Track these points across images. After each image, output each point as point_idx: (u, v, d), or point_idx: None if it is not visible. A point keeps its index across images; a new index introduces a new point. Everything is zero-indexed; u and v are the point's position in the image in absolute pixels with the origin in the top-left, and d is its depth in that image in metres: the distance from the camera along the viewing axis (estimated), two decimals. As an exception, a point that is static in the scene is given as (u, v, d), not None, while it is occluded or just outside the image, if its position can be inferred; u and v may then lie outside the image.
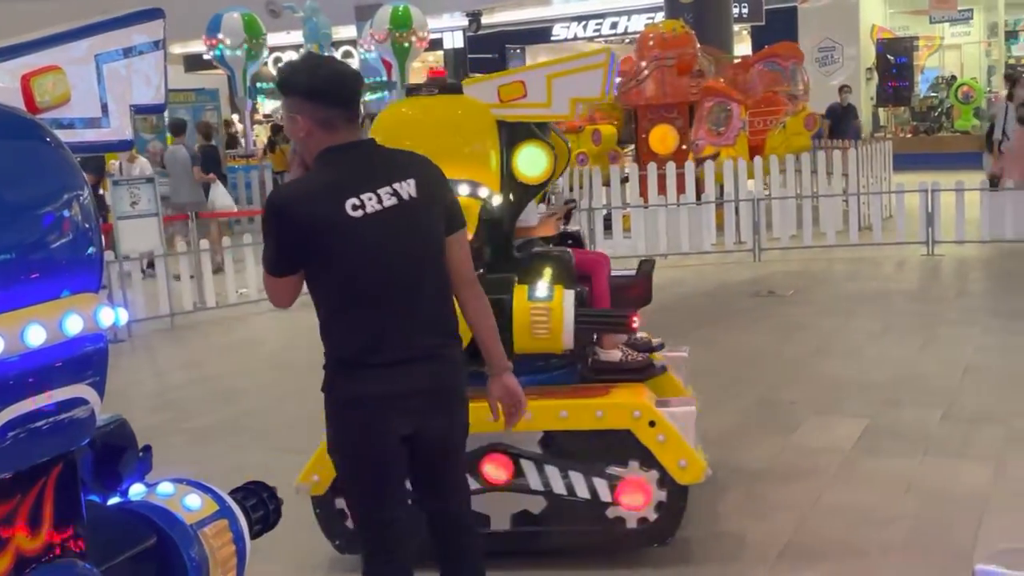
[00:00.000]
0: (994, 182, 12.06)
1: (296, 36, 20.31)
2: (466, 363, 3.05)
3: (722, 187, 12.47)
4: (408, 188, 2.90)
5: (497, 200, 4.05)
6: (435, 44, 23.65)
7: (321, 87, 2.87)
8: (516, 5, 24.07)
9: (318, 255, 2.85)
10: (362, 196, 2.84)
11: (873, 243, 11.90)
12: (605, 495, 4.04)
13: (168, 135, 15.17)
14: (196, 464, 5.79)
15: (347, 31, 21.44)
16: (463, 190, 3.84)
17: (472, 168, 3.89)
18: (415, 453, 2.97)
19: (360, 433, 2.91)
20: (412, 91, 4.06)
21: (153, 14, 2.26)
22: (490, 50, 28.07)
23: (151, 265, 10.99)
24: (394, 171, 2.93)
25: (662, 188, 12.46)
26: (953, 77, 23.16)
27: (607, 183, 13.25)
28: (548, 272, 4.11)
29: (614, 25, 26.40)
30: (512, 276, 4.09)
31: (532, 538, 4.11)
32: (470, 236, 3.81)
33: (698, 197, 12.42)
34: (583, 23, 26.82)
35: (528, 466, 4.03)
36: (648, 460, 3.99)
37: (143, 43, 2.27)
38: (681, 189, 12.48)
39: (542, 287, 4.04)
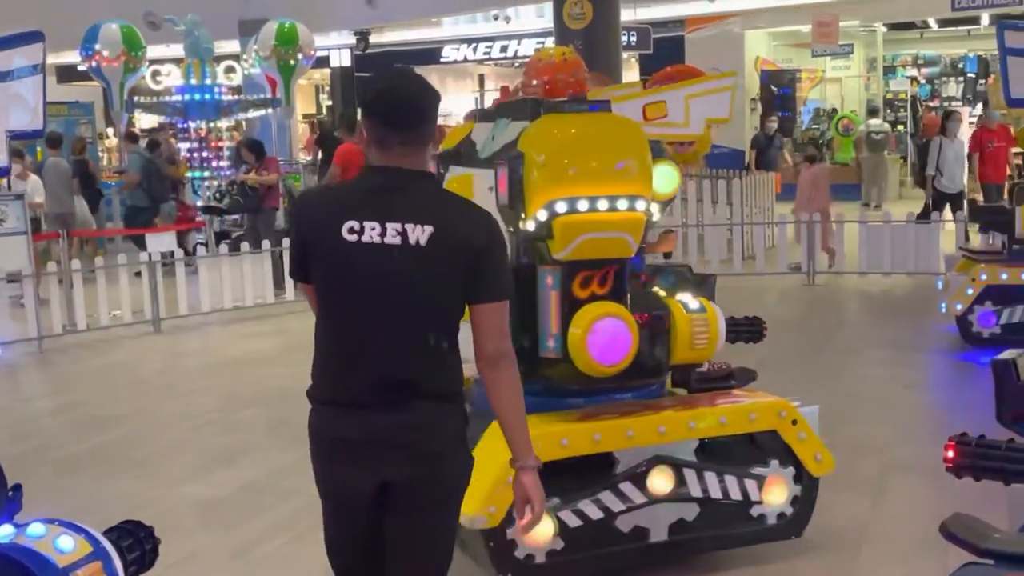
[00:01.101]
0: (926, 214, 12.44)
1: (177, 49, 19.96)
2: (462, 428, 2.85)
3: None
4: (420, 234, 2.72)
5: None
6: (321, 62, 23.47)
7: (378, 106, 2.78)
8: (406, 26, 24.07)
9: (311, 267, 2.83)
10: (365, 222, 2.73)
11: (756, 272, 12.23)
12: (755, 494, 4.27)
13: (39, 148, 14.80)
14: (63, 496, 5.63)
15: (231, 45, 21.12)
16: (639, 205, 4.02)
17: (637, 183, 4.04)
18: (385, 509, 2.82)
19: (314, 467, 2.89)
20: (553, 108, 4.14)
21: (33, 37, 2.21)
22: (375, 68, 28.03)
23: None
24: (416, 211, 2.74)
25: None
26: (834, 110, 23.99)
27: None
28: (680, 285, 4.35)
29: (504, 49, 26.61)
30: (658, 291, 4.33)
31: (688, 545, 4.26)
32: (633, 251, 4.03)
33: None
34: (473, 46, 26.97)
35: (690, 474, 4.15)
36: (786, 457, 4.27)
37: (22, 67, 2.23)
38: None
39: (692, 300, 4.26)
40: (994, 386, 3.75)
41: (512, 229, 3.99)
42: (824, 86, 25.14)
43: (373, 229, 2.73)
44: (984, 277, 8.25)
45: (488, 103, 28.77)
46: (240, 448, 6.74)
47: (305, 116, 29.30)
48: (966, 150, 13.46)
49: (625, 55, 19.88)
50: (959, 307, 8.33)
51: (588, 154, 3.94)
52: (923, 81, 26.92)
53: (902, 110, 24.96)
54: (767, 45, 24.82)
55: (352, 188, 2.93)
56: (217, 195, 12.96)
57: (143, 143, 16.32)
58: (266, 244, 11.31)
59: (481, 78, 31.56)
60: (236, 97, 16.04)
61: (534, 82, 15.05)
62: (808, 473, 4.30)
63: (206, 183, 14.00)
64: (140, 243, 13.00)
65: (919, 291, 11.18)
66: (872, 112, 21.73)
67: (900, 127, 24.22)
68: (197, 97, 14.25)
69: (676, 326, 4.17)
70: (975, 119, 17.04)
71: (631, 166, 4.05)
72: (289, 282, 11.45)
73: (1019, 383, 3.74)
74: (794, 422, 4.25)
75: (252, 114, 17.17)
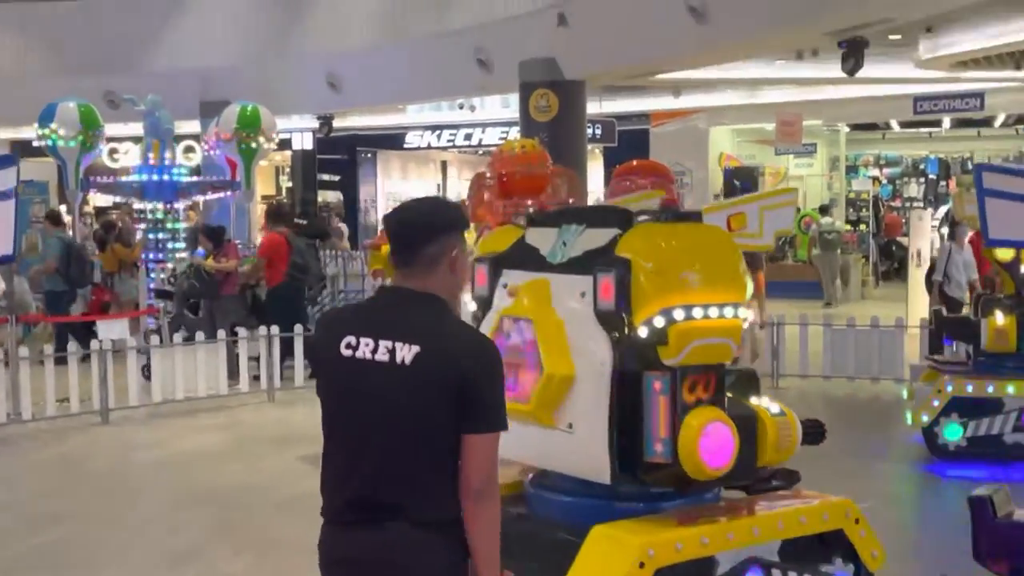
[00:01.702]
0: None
1: (136, 128, 19.99)
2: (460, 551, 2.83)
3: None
4: (406, 353, 2.77)
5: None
6: (283, 143, 23.59)
7: (388, 226, 2.95)
8: (369, 111, 24.29)
9: (318, 380, 2.96)
10: (362, 339, 2.83)
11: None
12: None
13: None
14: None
15: (191, 126, 21.21)
16: (741, 312, 4.16)
17: (738, 291, 4.20)
18: None
19: None
20: (647, 215, 4.29)
21: (6, 161, 2.20)
22: (340, 152, 28.20)
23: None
24: (407, 330, 2.81)
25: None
26: (797, 208, 24.40)
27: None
28: (742, 386, 4.45)
29: (468, 137, 26.91)
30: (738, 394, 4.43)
31: None
32: (734, 356, 4.15)
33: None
34: (437, 133, 27.24)
35: (777, 574, 4.26)
36: (847, 554, 4.38)
37: (-8, 191, 2.20)
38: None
39: (772, 404, 4.40)
40: (971, 523, 3.76)
41: (617, 335, 4.13)
42: (787, 184, 25.59)
43: (367, 345, 2.81)
44: (950, 388, 8.32)
45: (451, 190, 28.79)
46: (187, 552, 6.58)
47: (264, 197, 29.31)
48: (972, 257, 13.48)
49: (590, 147, 20.15)
50: (925, 419, 8.37)
51: (696, 263, 4.15)
52: (885, 181, 27.56)
53: (864, 209, 25.44)
54: (731, 141, 25.30)
55: (361, 305, 3.08)
56: (171, 279, 12.86)
57: (85, 223, 16.22)
58: (221, 333, 11.20)
59: (444, 165, 31.85)
60: (195, 179, 16.05)
61: (498, 173, 14.99)
62: (866, 569, 4.45)
63: (160, 266, 13.88)
64: (64, 331, 12.79)
65: (884, 397, 11.26)
66: (823, 211, 22.10)
67: (862, 226, 24.65)
68: (155, 178, 14.21)
69: (764, 430, 4.33)
70: (936, 222, 17.35)
71: (732, 275, 4.27)
72: (244, 373, 11.33)
73: (995, 520, 3.76)
74: (857, 521, 4.42)
75: (211, 196, 17.16)
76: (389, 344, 2.79)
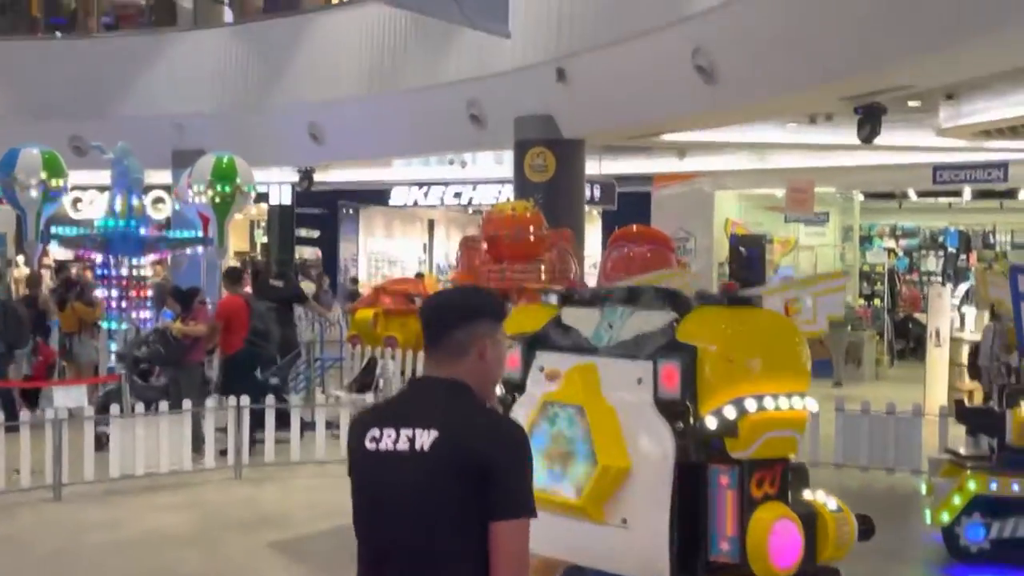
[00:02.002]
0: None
1: (103, 176, 20.03)
2: None
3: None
4: (424, 439, 2.86)
5: None
6: (259, 197, 23.66)
7: (423, 314, 3.06)
8: (353, 164, 24.39)
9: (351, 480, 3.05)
10: (384, 430, 2.93)
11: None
12: None
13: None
14: None
15: (163, 176, 21.22)
16: (809, 403, 4.29)
17: (803, 380, 4.32)
18: None
19: None
20: (706, 299, 4.43)
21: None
22: (320, 206, 28.27)
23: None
24: (426, 416, 2.90)
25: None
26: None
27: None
28: (801, 480, 4.55)
29: (457, 195, 27.03)
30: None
31: None
32: (793, 454, 4.26)
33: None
34: (424, 189, 27.36)
35: None
36: None
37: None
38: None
39: (830, 499, 4.54)
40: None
41: (681, 425, 4.17)
42: (797, 253, 25.69)
43: (389, 436, 2.91)
44: (972, 486, 8.27)
45: (438, 250, 28.74)
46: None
47: (238, 254, 29.29)
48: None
49: (588, 209, 20.25)
50: (945, 518, 8.30)
51: (765, 351, 4.25)
52: (901, 253, 27.67)
53: (879, 283, 25.52)
54: (738, 207, 25.43)
55: (391, 398, 3.20)
56: (136, 344, 12.78)
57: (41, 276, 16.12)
58: (187, 404, 11.11)
59: (431, 223, 31.95)
60: (163, 232, 16.04)
61: (488, 236, 15.03)
62: None
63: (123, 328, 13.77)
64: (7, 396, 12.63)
65: (900, 490, 11.19)
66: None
67: (877, 301, 24.71)
68: (121, 230, 14.17)
69: (825, 527, 4.43)
70: (957, 300, 17.40)
71: (798, 363, 4.38)
72: (209, 447, 11.23)
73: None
74: None
75: (180, 252, 17.14)
76: (409, 432, 2.88)
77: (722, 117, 16.25)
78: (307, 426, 11.52)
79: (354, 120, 19.47)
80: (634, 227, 15.02)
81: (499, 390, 4.54)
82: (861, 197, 25.56)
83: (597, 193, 21.56)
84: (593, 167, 19.66)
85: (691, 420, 4.16)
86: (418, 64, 18.38)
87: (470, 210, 30.36)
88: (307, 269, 27.39)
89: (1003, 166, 20.16)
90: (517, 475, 2.84)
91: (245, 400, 11.08)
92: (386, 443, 2.91)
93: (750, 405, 4.11)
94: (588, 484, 4.14)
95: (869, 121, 13.63)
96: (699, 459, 4.14)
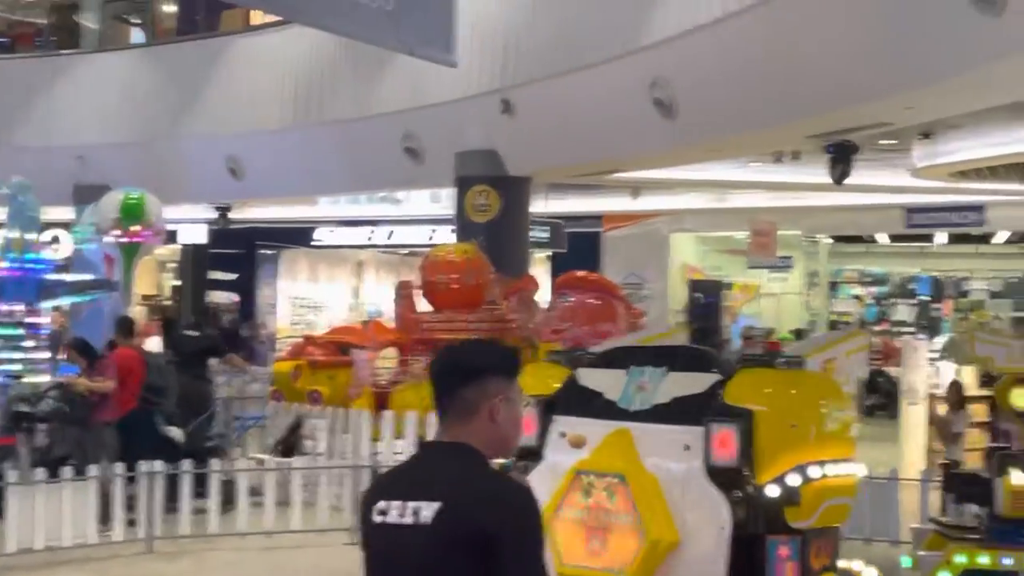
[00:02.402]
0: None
1: (-3, 213, 19.79)
2: None
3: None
4: (427, 512, 2.89)
5: None
6: (169, 236, 23.49)
7: (431, 371, 3.07)
8: (275, 202, 24.33)
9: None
10: (391, 503, 2.96)
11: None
12: None
13: None
14: None
15: (63, 212, 20.95)
16: (861, 470, 4.48)
17: (851, 445, 4.49)
18: None
19: None
20: (750, 360, 4.60)
21: None
22: (236, 246, 28.13)
23: None
24: (429, 486, 2.94)
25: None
26: (771, 331, 24.65)
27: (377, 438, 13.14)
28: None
29: (389, 235, 27.05)
30: None
31: None
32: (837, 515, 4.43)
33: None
34: (353, 228, 27.33)
35: None
36: None
37: None
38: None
39: (868, 568, 4.96)
40: None
41: (740, 494, 4.26)
42: (759, 300, 25.96)
43: (396, 509, 2.95)
44: (961, 560, 8.34)
45: (368, 295, 28.49)
46: None
47: (145, 298, 29.01)
48: None
49: (534, 253, 20.35)
50: (933, 595, 8.37)
51: (820, 415, 4.42)
52: (870, 301, 28.10)
53: (848, 334, 25.87)
54: (696, 250, 25.67)
55: (400, 465, 3.21)
56: (31, 400, 12.57)
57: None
58: (93, 469, 10.94)
59: (360, 266, 31.86)
60: (63, 276, 15.84)
61: (427, 282, 15.05)
62: None
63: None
64: None
65: (880, 563, 11.26)
66: (799, 335, 22.33)
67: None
68: (15, 273, 13.98)
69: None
70: (936, 355, 17.63)
71: (848, 427, 4.57)
72: (119, 517, 11.06)
73: None
74: None
75: (82, 298, 16.94)
76: (414, 504, 2.92)
77: (681, 154, 16.44)
78: (227, 493, 11.39)
79: (277, 153, 19.42)
80: (577, 274, 15.19)
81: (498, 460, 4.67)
82: (829, 241, 25.95)
83: (543, 235, 21.69)
84: (538, 206, 19.77)
85: (749, 489, 4.25)
86: (348, 92, 18.38)
87: (404, 251, 30.37)
88: (218, 316, 27.20)
89: (980, 208, 20.63)
90: (522, 545, 2.84)
91: (158, 464, 10.94)
92: (392, 516, 2.94)
93: (813, 472, 4.26)
94: (635, 560, 4.21)
95: (841, 160, 13.90)
96: (756, 530, 4.23)
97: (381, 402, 13.16)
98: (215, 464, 11.57)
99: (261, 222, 26.94)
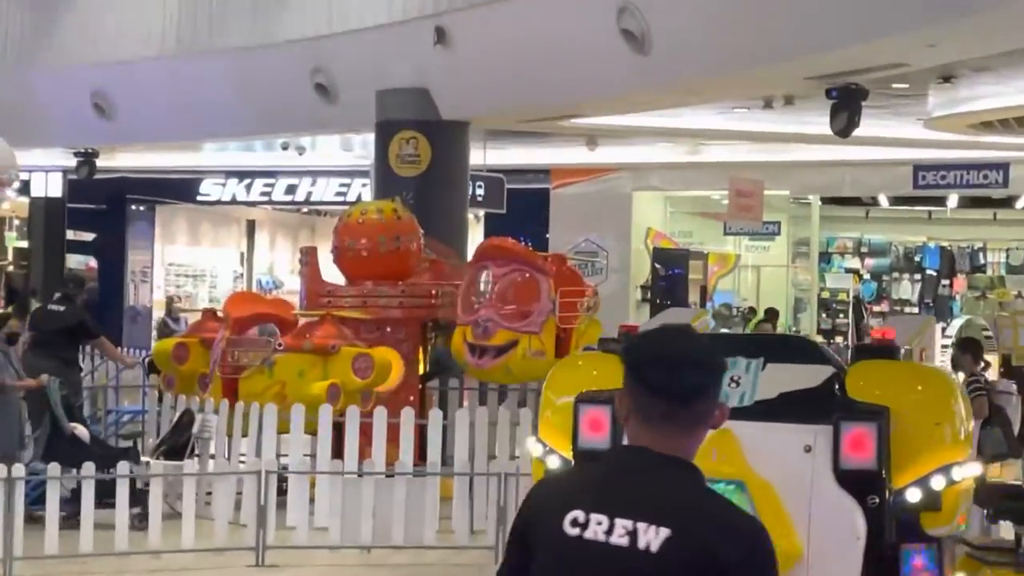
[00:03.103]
0: None
1: None
2: None
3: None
4: (651, 537, 2.95)
5: None
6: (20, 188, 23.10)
7: (649, 369, 3.06)
8: (150, 148, 23.98)
9: (525, 562, 3.13)
10: (592, 515, 3.01)
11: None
12: None
13: None
14: None
15: None
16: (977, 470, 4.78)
17: (969, 444, 4.75)
18: None
19: None
20: (865, 351, 4.89)
21: None
22: (100, 201, 27.76)
23: None
24: (652, 507, 2.99)
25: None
26: (751, 310, 24.80)
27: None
28: None
29: (291, 189, 26.81)
30: None
31: None
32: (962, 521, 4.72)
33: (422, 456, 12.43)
34: (246, 181, 27.06)
35: None
36: None
37: None
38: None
39: None
40: None
41: (877, 500, 4.50)
42: (738, 274, 26.07)
43: (599, 524, 3.00)
44: (997, 586, 8.41)
45: (261, 261, 28.40)
46: None
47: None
48: None
49: (470, 214, 20.24)
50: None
51: (953, 412, 4.68)
52: (867, 276, 28.28)
53: (842, 314, 26.02)
54: (663, 212, 25.73)
55: (590, 471, 3.29)
56: None
57: None
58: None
59: (252, 226, 31.60)
60: None
61: (341, 247, 14.99)
62: None
63: None
64: None
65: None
66: (768, 317, 22.36)
67: (839, 338, 25.20)
68: None
69: None
70: (950, 340, 17.75)
71: (969, 425, 4.83)
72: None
73: None
74: None
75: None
76: (628, 524, 2.97)
77: (654, 97, 16.37)
78: (105, 504, 11.24)
79: (154, 88, 19.19)
80: (494, 241, 15.05)
81: (550, 463, 5.00)
82: (819, 203, 26.04)
83: (480, 191, 21.56)
84: (476, 157, 19.67)
85: (887, 494, 4.49)
86: (245, 14, 18.18)
87: (305, 210, 30.18)
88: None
89: (1003, 167, 20.67)
90: None
91: (18, 470, 10.77)
92: (595, 532, 2.99)
93: (956, 474, 4.49)
94: None
95: (846, 107, 13.89)
96: (890, 539, 4.48)
97: (230, 391, 13.10)
98: (87, 467, 11.39)
99: (134, 172, 26.51)
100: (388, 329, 13.87)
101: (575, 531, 3.02)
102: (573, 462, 5.00)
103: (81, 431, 12.48)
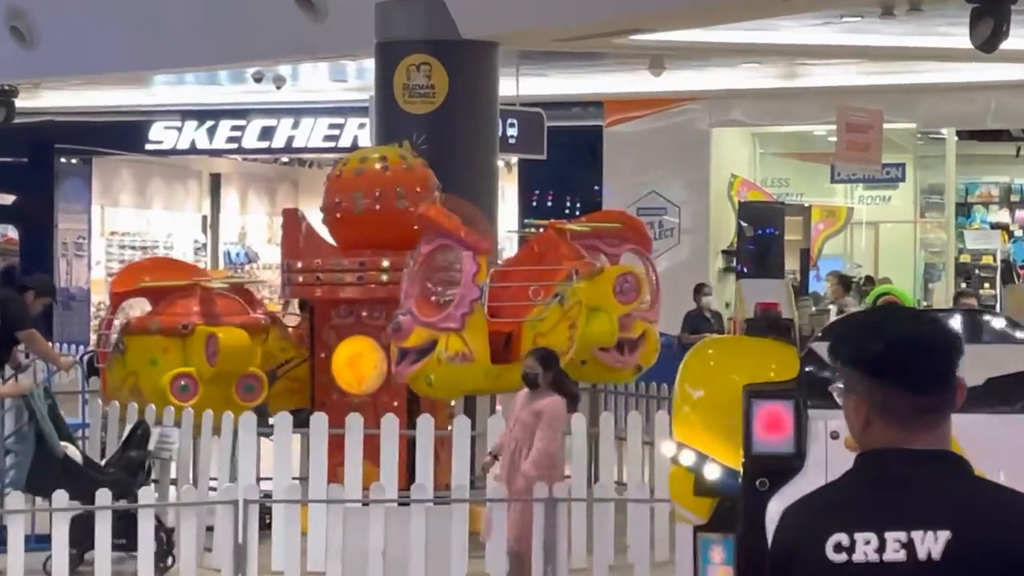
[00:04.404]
0: None
1: None
2: None
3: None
4: (931, 545, 3.14)
5: None
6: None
7: (895, 363, 3.27)
8: (86, 82, 24.07)
9: None
10: (856, 534, 3.18)
11: None
12: None
13: None
14: None
15: None
16: None
17: None
18: None
19: None
20: None
21: None
22: (19, 152, 27.85)
23: None
24: (927, 511, 3.18)
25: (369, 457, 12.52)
26: (869, 280, 24.67)
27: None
28: None
29: (266, 133, 26.82)
30: None
31: None
32: None
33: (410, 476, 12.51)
34: (208, 124, 27.09)
35: None
36: None
37: None
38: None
39: None
40: None
41: None
42: (849, 233, 25.94)
43: (868, 543, 3.17)
44: None
45: (227, 226, 28.54)
46: None
47: None
48: None
49: (500, 161, 20.25)
50: None
51: None
52: (1019, 232, 28.13)
53: (987, 284, 25.83)
54: (751, 155, 25.61)
55: (842, 486, 3.41)
56: None
57: None
58: None
59: (216, 182, 31.64)
60: None
61: (342, 202, 15.05)
62: None
63: None
64: None
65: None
66: (845, 285, 22.28)
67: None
68: None
69: None
70: None
71: None
72: None
73: None
74: None
75: None
76: (902, 536, 3.15)
77: (738, 5, 16.36)
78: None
79: (89, 7, 19.30)
80: (422, 207, 14.87)
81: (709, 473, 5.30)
82: (955, 139, 25.89)
83: (512, 132, 21.55)
84: (506, 87, 19.68)
85: None
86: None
87: (285, 160, 30.24)
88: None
89: None
90: None
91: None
92: (863, 553, 3.16)
93: None
94: None
95: (991, 13, 13.80)
96: None
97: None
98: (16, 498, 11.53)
99: (63, 113, 26.63)
100: (364, 313, 13.93)
101: (841, 557, 3.18)
102: (742, 470, 5.29)
103: (73, 451, 12.58)
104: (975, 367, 5.10)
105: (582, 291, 13.27)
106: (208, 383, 13.33)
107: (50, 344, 17.72)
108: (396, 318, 12.87)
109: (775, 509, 5.10)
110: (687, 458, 5.66)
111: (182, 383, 12.92)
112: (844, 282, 22.11)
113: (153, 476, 12.62)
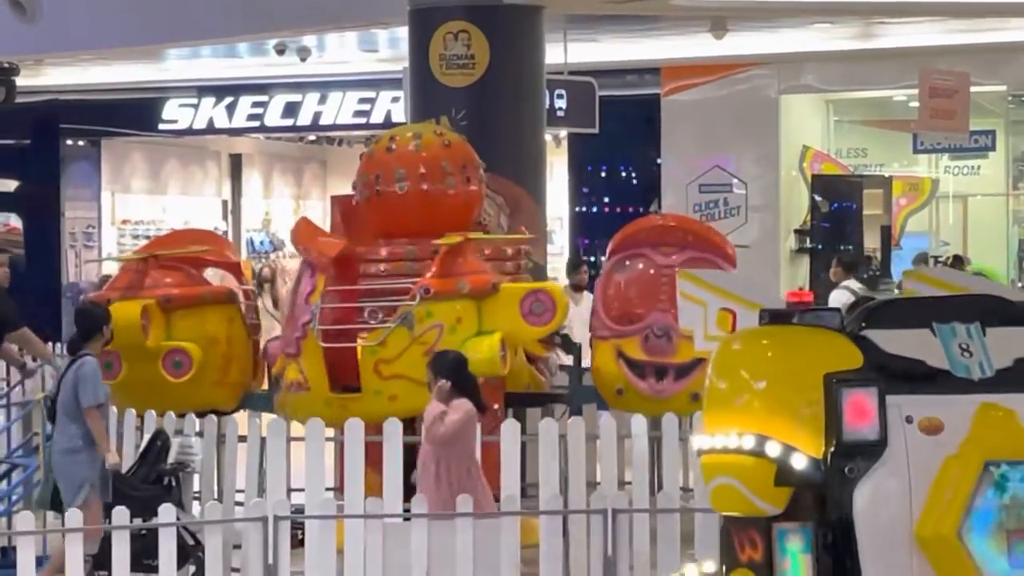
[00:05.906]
0: None
1: None
2: None
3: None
4: None
5: None
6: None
7: None
8: (93, 59, 24.20)
9: None
10: None
11: None
12: None
13: None
14: None
15: None
16: None
17: None
18: None
19: None
20: None
21: None
22: (22, 134, 27.95)
23: None
24: None
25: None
26: (957, 259, 24.59)
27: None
28: None
29: (290, 110, 26.90)
30: None
31: None
32: None
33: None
34: (228, 100, 27.18)
35: None
36: None
37: None
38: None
39: None
40: None
41: None
42: (935, 208, 25.88)
43: None
44: None
45: (249, 212, 28.68)
46: None
47: None
48: None
49: (548, 137, 20.29)
50: None
51: None
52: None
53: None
54: (824, 124, 25.56)
55: None
56: None
57: None
58: None
59: (237, 164, 31.71)
60: None
61: (376, 183, 15.01)
62: None
63: None
64: None
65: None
66: (846, 267, 22.14)
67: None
68: None
69: None
70: None
71: None
72: None
73: None
74: None
75: None
76: None
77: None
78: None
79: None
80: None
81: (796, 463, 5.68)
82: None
83: (560, 104, 21.58)
84: (554, 55, 19.71)
85: None
86: None
87: (313, 138, 30.31)
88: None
89: None
90: None
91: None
92: None
93: None
94: None
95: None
96: None
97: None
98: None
99: (69, 91, 26.77)
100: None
101: None
102: (829, 458, 5.77)
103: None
104: (998, 350, 5.63)
105: (443, 312, 13.22)
106: (133, 360, 13.46)
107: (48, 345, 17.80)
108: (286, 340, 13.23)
109: (861, 495, 5.66)
110: (773, 449, 5.90)
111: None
112: (846, 265, 21.98)
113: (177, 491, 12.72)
